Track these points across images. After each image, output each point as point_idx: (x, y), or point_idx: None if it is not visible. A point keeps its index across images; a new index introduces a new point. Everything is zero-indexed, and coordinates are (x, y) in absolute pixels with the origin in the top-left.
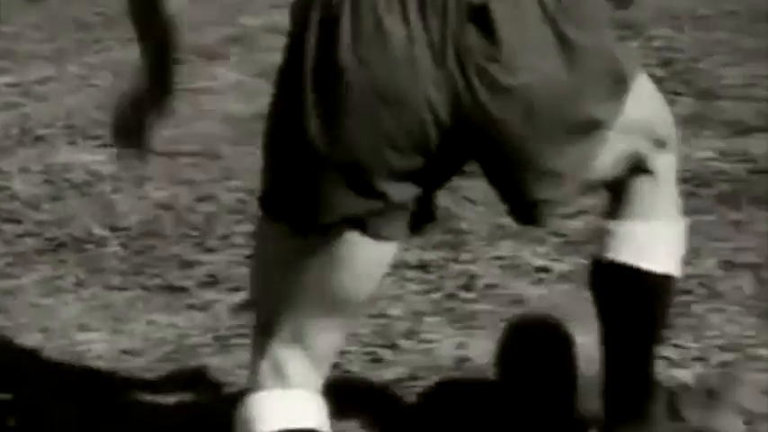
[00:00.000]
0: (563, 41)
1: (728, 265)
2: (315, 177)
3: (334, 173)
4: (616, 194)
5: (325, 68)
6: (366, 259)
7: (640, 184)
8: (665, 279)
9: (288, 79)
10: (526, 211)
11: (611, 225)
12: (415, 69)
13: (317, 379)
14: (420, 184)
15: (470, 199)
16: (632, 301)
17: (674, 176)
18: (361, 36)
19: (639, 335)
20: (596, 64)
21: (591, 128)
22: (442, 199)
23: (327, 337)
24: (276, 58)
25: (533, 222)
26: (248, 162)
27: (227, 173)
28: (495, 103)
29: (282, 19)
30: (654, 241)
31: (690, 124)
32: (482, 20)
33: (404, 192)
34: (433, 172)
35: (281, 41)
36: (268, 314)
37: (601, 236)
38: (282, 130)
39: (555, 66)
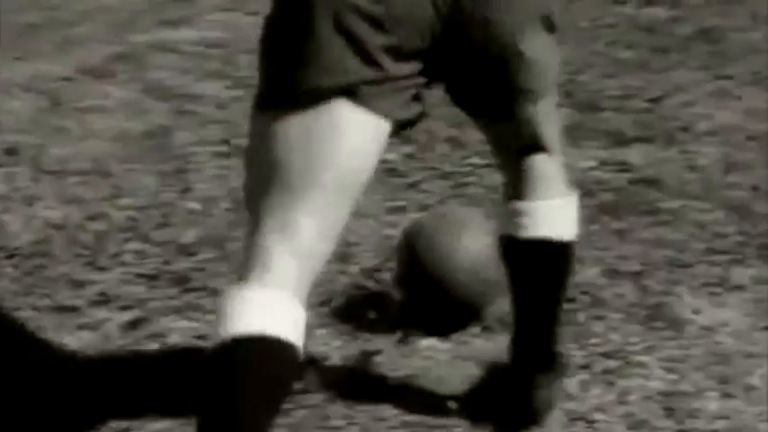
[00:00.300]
0: None
1: (611, 274)
2: (314, 47)
3: (335, 40)
4: (515, 177)
5: None
6: (360, 133)
7: (535, 166)
8: (570, 246)
9: None
10: (506, 104)
11: (517, 205)
12: None
13: (301, 283)
14: (417, 70)
15: (359, 212)
16: (545, 269)
17: (557, 122)
18: None
19: (552, 297)
20: None
21: (550, 25)
22: None
23: (316, 231)
24: (163, 75)
25: (511, 116)
26: (138, 180)
27: (118, 191)
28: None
29: (170, 36)
30: (557, 214)
31: (571, 135)
32: None
33: (400, 69)
34: (429, 64)
35: (168, 59)
36: (261, 209)
37: (508, 215)
38: (287, 13)
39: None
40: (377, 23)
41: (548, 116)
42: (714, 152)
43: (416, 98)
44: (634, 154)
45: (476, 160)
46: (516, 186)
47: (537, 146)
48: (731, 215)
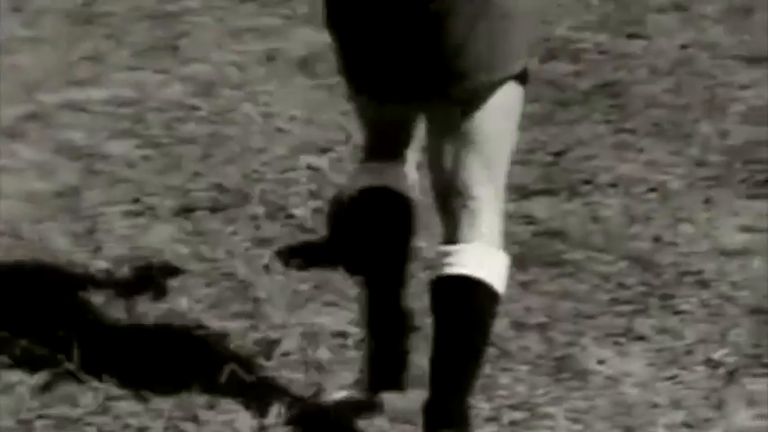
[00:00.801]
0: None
1: (517, 326)
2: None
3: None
4: (447, 222)
5: None
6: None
7: (467, 212)
8: (495, 292)
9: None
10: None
11: (448, 248)
12: None
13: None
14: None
15: (268, 268)
16: (468, 308)
17: (497, 207)
18: None
19: (469, 343)
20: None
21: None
22: (240, 269)
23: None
24: (73, 135)
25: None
26: (49, 240)
27: (30, 252)
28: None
29: (79, 95)
30: (486, 260)
31: None
32: None
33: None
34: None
35: (77, 118)
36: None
37: (438, 258)
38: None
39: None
40: None
41: None
42: (616, 204)
43: None
44: (538, 207)
45: None
46: (446, 230)
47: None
48: (634, 266)
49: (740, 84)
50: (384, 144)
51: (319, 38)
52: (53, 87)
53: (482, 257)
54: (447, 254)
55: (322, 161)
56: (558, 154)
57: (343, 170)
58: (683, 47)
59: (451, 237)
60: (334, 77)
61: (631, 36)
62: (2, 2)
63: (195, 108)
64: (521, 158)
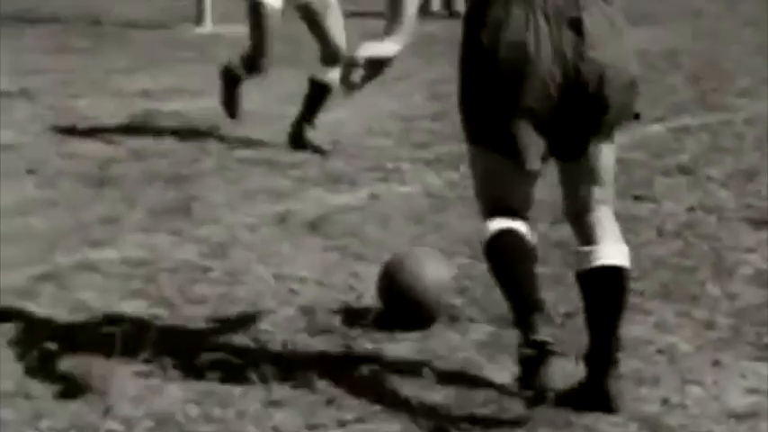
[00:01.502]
0: (616, 33)
1: None
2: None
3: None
4: (583, 231)
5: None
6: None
7: (597, 221)
8: (629, 271)
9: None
10: (579, 146)
11: (593, 247)
12: (544, 53)
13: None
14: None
15: (278, 429)
16: (623, 286)
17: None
18: (513, 34)
19: (623, 305)
20: (627, 52)
21: (632, 88)
22: (251, 430)
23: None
24: (86, 295)
25: (579, 155)
26: (60, 401)
27: (40, 412)
28: (584, 67)
29: (92, 256)
30: (622, 252)
31: (487, 351)
32: (577, 24)
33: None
34: (554, 121)
35: (91, 279)
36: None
37: (585, 255)
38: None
39: (615, 48)
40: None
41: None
42: (625, 366)
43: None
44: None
45: None
46: (582, 236)
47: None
48: (643, 428)
49: (747, 246)
50: (515, 205)
51: (330, 200)
52: (67, 249)
53: (619, 250)
54: (593, 252)
55: (335, 319)
56: (567, 315)
57: (355, 332)
58: (690, 209)
59: (589, 240)
60: (345, 239)
61: (638, 199)
62: (18, 164)
63: (207, 269)
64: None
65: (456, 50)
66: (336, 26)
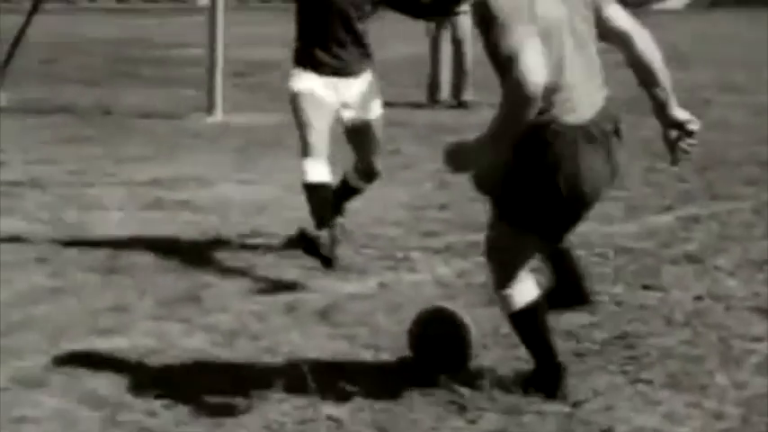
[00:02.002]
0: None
1: None
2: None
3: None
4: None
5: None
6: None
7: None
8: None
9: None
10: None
11: None
12: (599, 168)
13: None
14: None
15: None
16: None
17: None
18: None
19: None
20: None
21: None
22: None
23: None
24: (97, 384)
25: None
26: None
27: None
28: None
29: (102, 344)
30: None
31: None
32: (618, 129)
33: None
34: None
35: (101, 367)
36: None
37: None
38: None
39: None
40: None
41: None
42: None
43: None
44: None
45: None
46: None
47: None
48: None
49: (755, 335)
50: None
51: (340, 288)
52: (77, 337)
53: None
54: None
55: (342, 412)
56: (575, 405)
57: (364, 422)
58: (698, 298)
59: None
60: (355, 328)
61: (646, 288)
62: (28, 253)
63: (217, 357)
64: (537, 409)
65: (464, 137)
66: (379, 142)
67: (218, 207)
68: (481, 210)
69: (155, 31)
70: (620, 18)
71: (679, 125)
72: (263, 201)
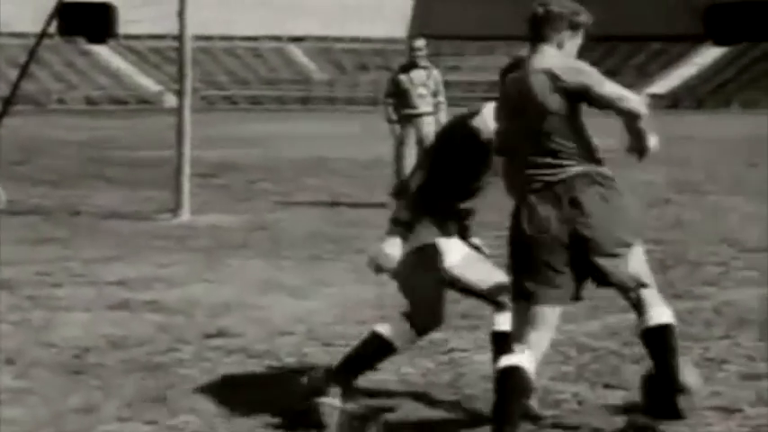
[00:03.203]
0: (610, 208)
1: None
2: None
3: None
4: (636, 305)
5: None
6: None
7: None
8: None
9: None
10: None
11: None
12: (554, 228)
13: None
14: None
15: None
16: (668, 339)
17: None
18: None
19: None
20: (619, 223)
21: (622, 248)
22: None
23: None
24: None
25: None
26: None
27: None
28: (585, 231)
29: None
30: (666, 313)
31: None
32: (575, 202)
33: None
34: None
35: None
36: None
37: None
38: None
39: (606, 219)
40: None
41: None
42: None
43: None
44: None
45: None
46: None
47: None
48: None
49: None
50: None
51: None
52: None
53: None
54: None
55: None
56: None
57: None
58: None
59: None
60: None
61: (608, 387)
62: None
63: None
64: None
65: None
66: None
67: (184, 307)
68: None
69: (123, 132)
70: None
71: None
72: (229, 301)
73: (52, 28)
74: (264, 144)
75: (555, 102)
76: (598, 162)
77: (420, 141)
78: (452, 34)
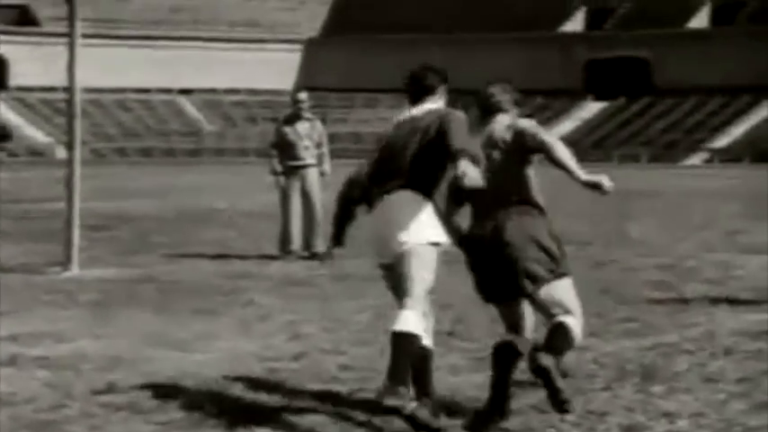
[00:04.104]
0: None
1: None
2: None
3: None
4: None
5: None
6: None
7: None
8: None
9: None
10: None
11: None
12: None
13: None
14: None
15: None
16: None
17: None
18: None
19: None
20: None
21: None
22: None
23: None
24: None
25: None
26: None
27: None
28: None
29: None
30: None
31: None
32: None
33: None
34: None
35: None
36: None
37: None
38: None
39: (524, 239)
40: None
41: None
42: None
43: None
44: None
45: None
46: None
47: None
48: None
49: None
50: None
51: None
52: None
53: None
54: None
55: None
56: None
57: None
58: None
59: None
60: None
61: None
62: None
63: None
64: None
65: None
66: None
67: (73, 362)
68: (333, 362)
69: (13, 184)
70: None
71: (592, 185)
72: (118, 355)
73: None
74: (155, 196)
75: None
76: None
77: (305, 193)
78: (339, 87)
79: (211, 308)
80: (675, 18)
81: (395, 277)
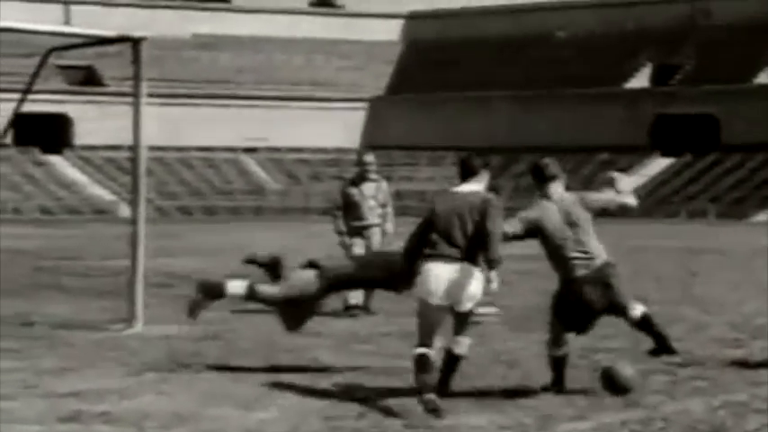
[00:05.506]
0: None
1: None
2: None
3: None
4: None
5: None
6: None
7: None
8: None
9: None
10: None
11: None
12: None
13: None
14: None
15: None
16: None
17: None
18: None
19: None
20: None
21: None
22: None
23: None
24: None
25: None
26: None
27: None
28: None
29: None
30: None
31: None
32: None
33: None
34: None
35: None
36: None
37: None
38: None
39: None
40: None
41: None
42: None
43: None
44: None
45: None
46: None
47: None
48: None
49: None
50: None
51: None
52: None
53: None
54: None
55: None
56: None
57: None
58: None
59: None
60: None
61: None
62: None
63: None
64: None
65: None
66: None
67: (136, 419)
68: (398, 422)
69: (77, 241)
70: None
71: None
72: (181, 412)
73: (8, 139)
74: (219, 253)
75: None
76: None
77: (368, 251)
78: (403, 144)
79: (274, 365)
80: (741, 74)
81: (453, 316)
